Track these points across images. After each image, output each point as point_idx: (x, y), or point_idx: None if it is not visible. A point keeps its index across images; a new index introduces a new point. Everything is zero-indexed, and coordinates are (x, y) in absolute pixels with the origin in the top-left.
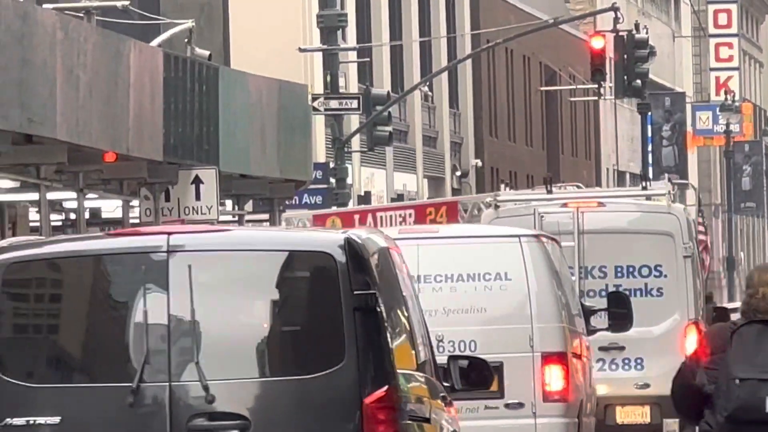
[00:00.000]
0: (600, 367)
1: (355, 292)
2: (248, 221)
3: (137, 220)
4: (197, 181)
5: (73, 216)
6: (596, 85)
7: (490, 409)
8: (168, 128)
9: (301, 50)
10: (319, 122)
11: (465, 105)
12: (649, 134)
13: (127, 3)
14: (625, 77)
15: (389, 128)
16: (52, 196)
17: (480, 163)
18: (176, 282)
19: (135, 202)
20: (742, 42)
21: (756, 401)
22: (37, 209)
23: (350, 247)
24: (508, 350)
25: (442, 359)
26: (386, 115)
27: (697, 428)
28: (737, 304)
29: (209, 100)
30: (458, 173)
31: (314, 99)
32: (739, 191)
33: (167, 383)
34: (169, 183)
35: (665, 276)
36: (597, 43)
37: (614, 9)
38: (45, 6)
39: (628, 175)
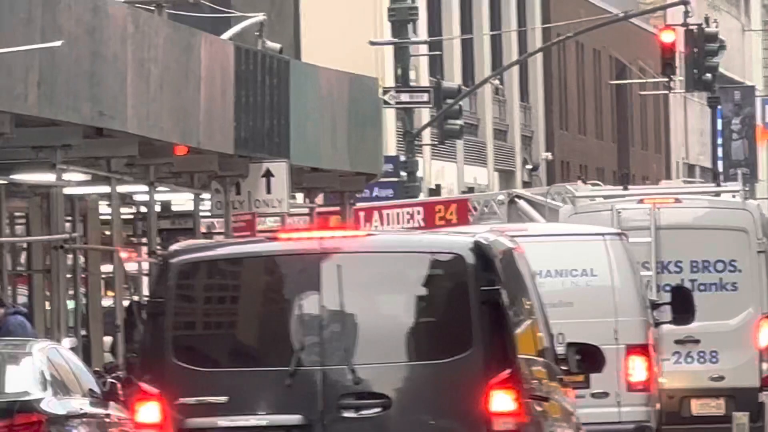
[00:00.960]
0: (675, 360)
1: (482, 288)
2: (318, 214)
3: (208, 214)
4: (268, 174)
5: (143, 209)
6: (666, 79)
7: (577, 398)
8: (239, 121)
9: (372, 44)
10: (389, 115)
11: (536, 98)
12: (719, 128)
13: None
14: (695, 71)
15: (460, 121)
16: (122, 189)
17: (550, 157)
18: (328, 280)
19: (206, 196)
20: None
21: None
22: (107, 202)
23: (478, 249)
24: (593, 343)
25: None
26: (457, 109)
27: None
28: None
29: (280, 94)
30: (529, 166)
31: (385, 92)
32: None
33: (320, 367)
34: (239, 176)
35: (739, 271)
36: (667, 37)
37: (684, 2)
38: None
39: (697, 169)
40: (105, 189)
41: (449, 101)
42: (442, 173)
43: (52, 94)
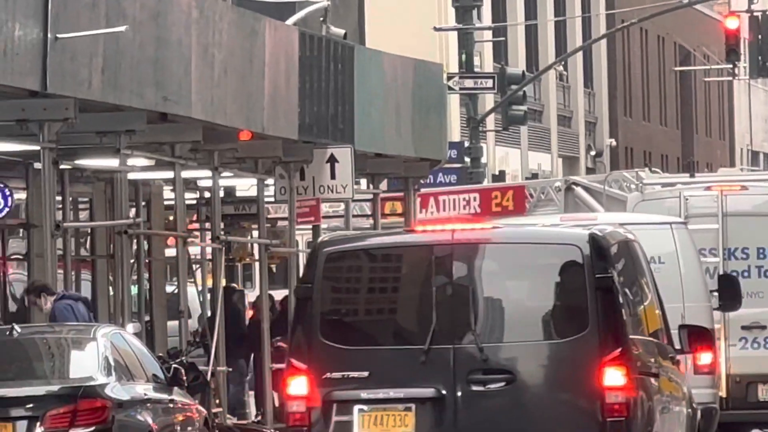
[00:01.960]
0: (742, 346)
1: (597, 276)
2: (383, 200)
3: (272, 199)
4: (332, 159)
5: (207, 194)
6: (730, 66)
7: None
8: (303, 107)
9: (436, 29)
10: (453, 101)
11: (599, 84)
12: None
13: None
14: (759, 57)
15: (524, 107)
16: (186, 174)
17: (614, 143)
18: (458, 268)
19: (270, 181)
20: None
21: None
22: (171, 187)
23: (593, 241)
24: None
25: None
26: (521, 95)
27: None
28: None
29: (344, 79)
30: (593, 153)
31: (449, 78)
32: None
33: (451, 346)
34: (304, 162)
35: None
36: (731, 23)
37: None
38: None
39: (761, 155)
40: (169, 174)
41: (513, 87)
42: (506, 159)
43: (116, 80)
